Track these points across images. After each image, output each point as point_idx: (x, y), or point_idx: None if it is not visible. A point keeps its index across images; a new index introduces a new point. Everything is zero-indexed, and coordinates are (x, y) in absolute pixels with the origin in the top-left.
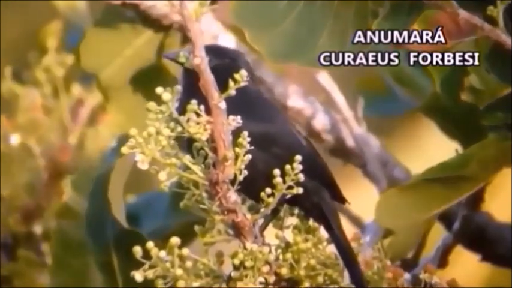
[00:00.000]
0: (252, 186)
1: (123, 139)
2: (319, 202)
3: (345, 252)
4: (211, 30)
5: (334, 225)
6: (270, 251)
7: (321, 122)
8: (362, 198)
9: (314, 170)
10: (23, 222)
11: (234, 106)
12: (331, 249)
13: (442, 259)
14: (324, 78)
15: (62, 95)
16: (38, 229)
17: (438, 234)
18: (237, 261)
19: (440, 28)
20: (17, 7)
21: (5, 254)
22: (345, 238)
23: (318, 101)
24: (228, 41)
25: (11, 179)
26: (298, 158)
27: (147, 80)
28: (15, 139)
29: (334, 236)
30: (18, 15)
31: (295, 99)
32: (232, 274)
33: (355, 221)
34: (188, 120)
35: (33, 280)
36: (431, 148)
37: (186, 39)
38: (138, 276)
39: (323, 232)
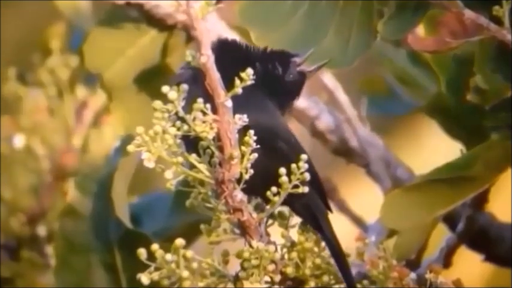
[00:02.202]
0: (256, 182)
1: (127, 139)
2: (308, 203)
3: (337, 254)
4: (216, 30)
5: (324, 226)
6: (276, 250)
7: (325, 122)
8: (365, 198)
9: (310, 173)
10: (26, 224)
11: (239, 103)
12: None
13: (446, 259)
14: (328, 78)
15: (67, 97)
16: (41, 231)
17: (441, 235)
18: (245, 262)
19: (445, 28)
20: (20, 8)
21: (9, 256)
22: (337, 242)
23: (322, 101)
24: None
25: (14, 180)
26: (304, 157)
27: (151, 80)
28: (19, 141)
29: (326, 238)
30: (22, 16)
31: (299, 100)
32: (240, 274)
33: (358, 220)
34: (194, 119)
35: (35, 281)
36: (434, 148)
37: (190, 39)
38: (144, 278)
39: None
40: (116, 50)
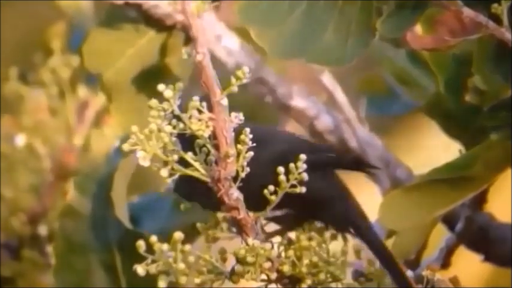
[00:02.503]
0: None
1: (126, 139)
2: (338, 208)
3: (381, 254)
4: (215, 31)
5: (363, 228)
6: (272, 248)
7: (324, 122)
8: (364, 198)
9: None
10: (28, 224)
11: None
12: (334, 246)
13: (445, 260)
14: (327, 78)
15: (68, 97)
16: (43, 230)
17: (440, 235)
18: (241, 259)
19: (444, 26)
20: (22, 7)
21: (10, 255)
22: (377, 238)
23: (321, 101)
24: (231, 41)
25: (15, 180)
26: (303, 157)
27: (150, 80)
28: (20, 140)
29: (366, 240)
30: (23, 16)
31: (298, 100)
32: (236, 268)
33: None
34: (190, 117)
35: (36, 281)
36: (434, 148)
37: (189, 40)
38: (140, 269)
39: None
40: (115, 50)
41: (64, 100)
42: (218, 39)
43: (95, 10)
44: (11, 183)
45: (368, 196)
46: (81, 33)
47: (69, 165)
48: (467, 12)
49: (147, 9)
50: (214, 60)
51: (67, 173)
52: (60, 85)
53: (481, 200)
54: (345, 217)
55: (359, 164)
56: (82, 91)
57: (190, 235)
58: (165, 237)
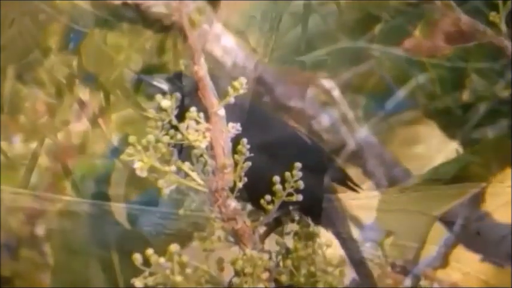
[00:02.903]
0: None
1: (124, 140)
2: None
3: (350, 252)
4: (214, 31)
5: (343, 235)
6: (270, 258)
7: (321, 121)
8: (362, 198)
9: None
10: (26, 223)
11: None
12: (331, 255)
13: (443, 259)
14: (325, 77)
15: (66, 96)
16: (40, 230)
17: (439, 234)
18: (238, 268)
19: (441, 31)
20: (20, 7)
21: (8, 255)
22: (351, 237)
23: (319, 100)
24: (230, 41)
25: (14, 179)
26: (298, 165)
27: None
28: (18, 139)
29: (338, 236)
30: (21, 16)
31: (296, 99)
32: (234, 280)
33: (355, 220)
34: (187, 128)
35: (34, 280)
36: (431, 148)
37: (186, 39)
38: (139, 283)
39: (323, 238)
40: (113, 50)
41: (62, 99)
42: (217, 39)
43: (93, 9)
44: (8, 183)
45: (366, 195)
46: (79, 33)
47: (67, 164)
48: (465, 19)
49: (145, 9)
50: (213, 59)
51: (65, 173)
52: (58, 84)
53: (478, 199)
54: (325, 218)
55: (343, 180)
56: (80, 90)
57: (189, 235)
58: (164, 235)
